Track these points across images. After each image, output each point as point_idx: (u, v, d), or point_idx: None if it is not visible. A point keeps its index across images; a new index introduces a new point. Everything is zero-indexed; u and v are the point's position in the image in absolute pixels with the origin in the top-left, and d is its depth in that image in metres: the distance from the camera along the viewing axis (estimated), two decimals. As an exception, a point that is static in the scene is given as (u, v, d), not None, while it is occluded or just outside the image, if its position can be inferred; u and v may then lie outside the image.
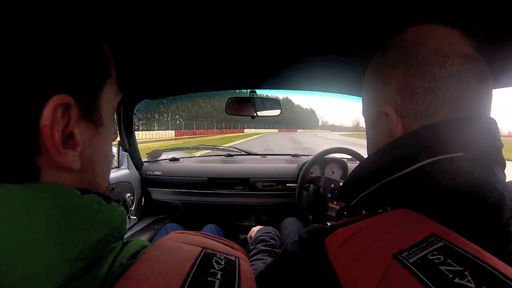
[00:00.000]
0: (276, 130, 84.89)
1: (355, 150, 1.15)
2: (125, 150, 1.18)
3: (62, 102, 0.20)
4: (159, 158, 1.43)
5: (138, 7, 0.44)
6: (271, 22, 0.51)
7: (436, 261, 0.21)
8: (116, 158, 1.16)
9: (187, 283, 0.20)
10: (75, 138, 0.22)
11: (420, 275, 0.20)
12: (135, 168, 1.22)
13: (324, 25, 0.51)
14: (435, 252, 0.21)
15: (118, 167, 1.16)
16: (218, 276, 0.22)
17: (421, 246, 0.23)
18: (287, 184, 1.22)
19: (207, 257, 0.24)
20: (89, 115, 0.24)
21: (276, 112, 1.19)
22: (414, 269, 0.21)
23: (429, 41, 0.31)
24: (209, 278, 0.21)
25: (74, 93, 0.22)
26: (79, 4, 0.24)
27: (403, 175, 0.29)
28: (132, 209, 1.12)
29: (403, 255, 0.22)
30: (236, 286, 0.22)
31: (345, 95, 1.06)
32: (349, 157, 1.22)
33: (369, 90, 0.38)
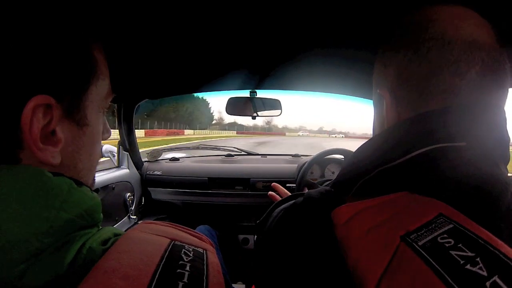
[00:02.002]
0: (142, 133, 30.31)
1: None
2: (125, 150, 1.17)
3: (42, 102, 0.22)
4: (159, 158, 1.43)
5: (138, 7, 0.44)
6: (271, 22, 0.51)
7: (447, 245, 0.20)
8: (116, 157, 1.16)
9: (157, 275, 0.20)
10: (57, 135, 0.24)
11: (431, 260, 0.19)
12: (135, 168, 1.22)
13: (325, 23, 0.51)
14: (445, 235, 0.21)
15: (118, 166, 1.16)
16: (187, 268, 0.22)
17: (430, 227, 0.22)
18: (287, 185, 1.22)
19: (176, 249, 0.24)
20: (73, 115, 0.26)
21: (277, 112, 1.19)
22: (424, 254, 0.20)
23: (434, 24, 0.29)
24: (179, 270, 0.22)
25: (55, 94, 0.23)
26: (67, 7, 0.25)
27: (403, 162, 0.28)
28: (132, 208, 1.11)
29: (411, 237, 0.21)
30: (204, 277, 0.22)
31: (346, 95, 1.05)
32: None
33: (375, 71, 0.37)
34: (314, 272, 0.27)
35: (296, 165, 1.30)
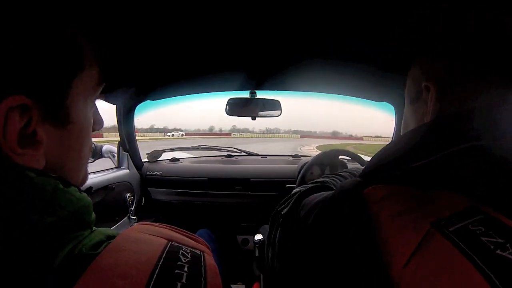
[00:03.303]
0: None
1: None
2: (125, 150, 1.18)
3: (16, 104, 0.20)
4: (159, 158, 1.43)
5: (140, 6, 0.44)
6: (271, 22, 0.51)
7: (478, 232, 0.20)
8: (116, 158, 1.16)
9: (155, 275, 0.20)
10: (38, 138, 0.22)
11: (461, 244, 0.19)
12: (135, 168, 1.22)
13: (324, 23, 0.51)
14: (476, 223, 0.21)
15: (118, 167, 1.16)
16: (185, 269, 0.22)
17: (460, 217, 0.22)
18: (287, 185, 1.22)
19: (173, 250, 0.24)
20: (55, 114, 0.23)
21: (277, 112, 1.19)
22: (454, 238, 0.20)
23: (482, 18, 0.28)
24: (177, 271, 0.21)
25: (32, 94, 0.20)
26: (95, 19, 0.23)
27: (435, 160, 0.27)
28: (132, 209, 1.12)
29: (441, 223, 0.21)
30: (202, 279, 0.22)
31: (345, 96, 1.05)
32: (350, 158, 1.22)
33: (417, 62, 0.36)
34: (352, 257, 0.27)
35: (296, 165, 1.30)
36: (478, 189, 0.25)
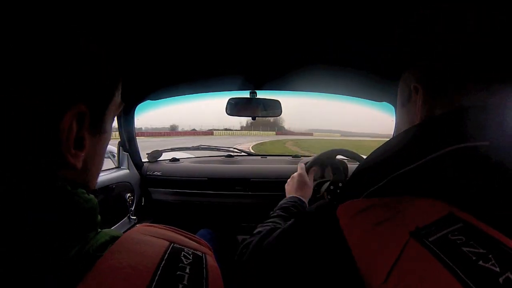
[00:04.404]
0: None
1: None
2: (125, 151, 1.18)
3: (80, 110, 0.23)
4: (159, 159, 1.43)
5: (140, 7, 0.44)
6: (272, 23, 0.51)
7: (458, 242, 0.20)
8: (116, 158, 1.16)
9: (157, 276, 0.20)
10: (84, 142, 0.25)
11: (442, 255, 0.19)
12: (135, 168, 1.22)
13: (324, 23, 0.51)
14: (456, 232, 0.20)
15: (118, 167, 1.16)
16: (187, 270, 0.22)
17: (440, 225, 0.21)
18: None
19: (175, 251, 0.24)
20: (96, 123, 0.27)
21: (277, 112, 1.19)
22: (435, 249, 0.20)
23: (476, 17, 0.28)
24: (178, 272, 0.22)
25: (89, 104, 0.24)
26: (98, 21, 0.26)
27: (420, 165, 0.26)
28: (132, 209, 1.12)
29: (421, 233, 0.21)
30: (204, 280, 0.22)
31: (345, 96, 1.06)
32: (349, 158, 1.22)
33: (407, 64, 0.36)
34: (322, 267, 0.27)
35: (296, 165, 1.30)
36: (463, 194, 0.24)
